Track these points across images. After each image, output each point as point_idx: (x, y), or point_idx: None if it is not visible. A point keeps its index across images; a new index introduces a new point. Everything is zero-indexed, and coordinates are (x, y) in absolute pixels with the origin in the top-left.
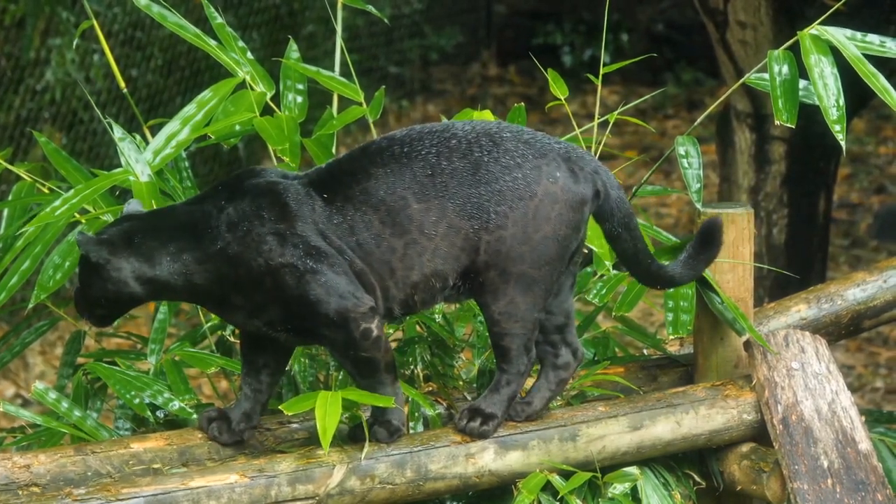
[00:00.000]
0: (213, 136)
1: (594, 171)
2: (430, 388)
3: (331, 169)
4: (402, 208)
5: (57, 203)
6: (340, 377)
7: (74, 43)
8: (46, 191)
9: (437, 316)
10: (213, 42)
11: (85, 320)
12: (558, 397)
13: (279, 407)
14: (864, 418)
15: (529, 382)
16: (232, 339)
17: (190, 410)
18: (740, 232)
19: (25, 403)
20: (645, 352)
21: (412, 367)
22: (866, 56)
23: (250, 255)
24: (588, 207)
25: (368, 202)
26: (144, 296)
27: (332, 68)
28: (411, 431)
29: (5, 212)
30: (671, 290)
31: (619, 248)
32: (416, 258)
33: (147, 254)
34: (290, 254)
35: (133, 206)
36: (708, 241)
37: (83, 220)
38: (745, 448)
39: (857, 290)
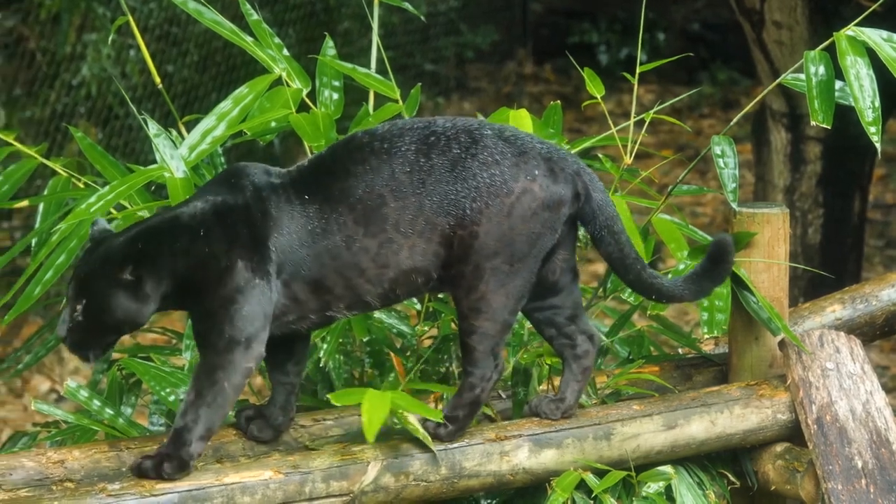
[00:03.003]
0: (248, 133)
1: (575, 172)
2: None
3: (313, 167)
4: (378, 206)
5: (92, 199)
6: (382, 375)
7: (110, 38)
8: (82, 186)
9: None
10: (249, 38)
11: (88, 358)
12: (592, 395)
13: (327, 396)
14: None
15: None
16: None
17: None
18: (775, 232)
19: (60, 399)
20: (680, 351)
21: (447, 364)
22: None
23: (224, 247)
24: (566, 208)
25: (346, 202)
26: (154, 310)
27: (367, 65)
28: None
29: (40, 207)
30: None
31: (604, 251)
32: (391, 257)
33: (154, 261)
34: (255, 259)
35: (101, 224)
36: (717, 260)
37: (118, 216)
38: (779, 448)
39: (891, 291)
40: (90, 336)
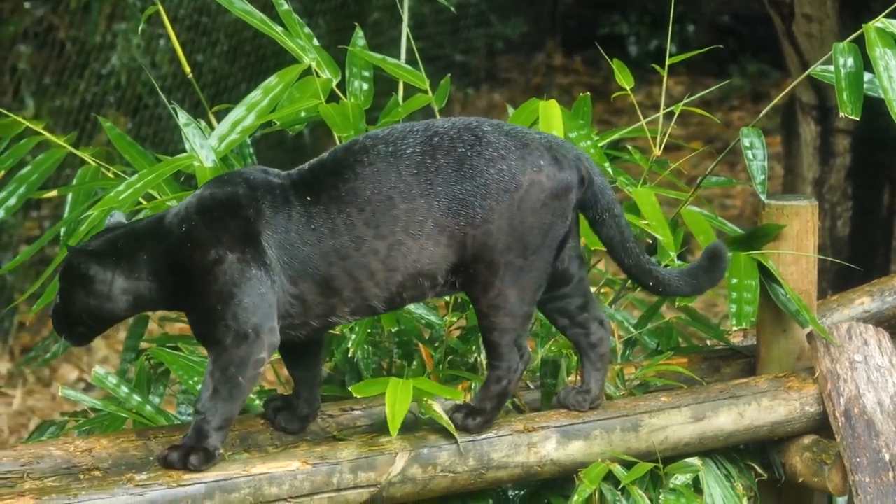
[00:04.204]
0: (278, 123)
1: (577, 157)
2: None
3: (314, 169)
4: (387, 209)
5: (121, 188)
6: (411, 365)
7: (140, 28)
8: (111, 175)
9: None
10: (279, 28)
11: (64, 339)
12: (621, 387)
13: (349, 388)
14: None
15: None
16: None
17: (252, 396)
18: (804, 224)
19: (88, 388)
20: (708, 343)
21: (475, 354)
22: None
23: (210, 240)
24: (573, 194)
25: (354, 202)
26: (125, 310)
27: (397, 56)
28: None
29: (69, 196)
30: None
31: (606, 235)
32: (400, 260)
33: (130, 262)
34: (248, 252)
35: (116, 217)
36: (712, 263)
37: (147, 206)
38: (806, 440)
39: None
40: (63, 320)
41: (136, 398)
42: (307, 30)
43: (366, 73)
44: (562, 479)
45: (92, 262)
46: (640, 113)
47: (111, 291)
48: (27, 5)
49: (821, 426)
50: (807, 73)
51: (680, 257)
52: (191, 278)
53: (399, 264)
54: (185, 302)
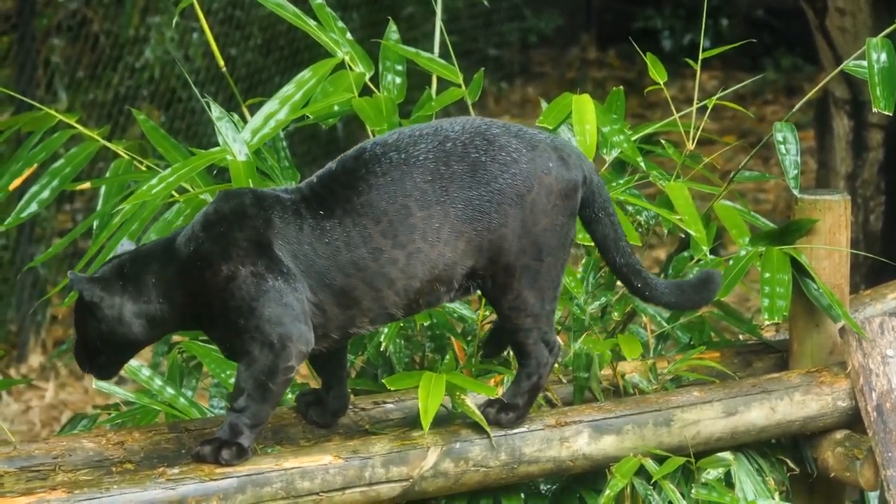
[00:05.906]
0: (311, 117)
1: (578, 156)
2: None
3: (324, 182)
4: (404, 217)
5: (154, 181)
6: (444, 359)
7: (174, 21)
8: (144, 169)
9: None
10: (312, 22)
11: (89, 373)
12: (653, 381)
13: (382, 381)
14: None
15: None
16: None
17: None
18: (837, 219)
19: (121, 380)
20: (740, 337)
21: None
22: None
23: (219, 257)
24: (580, 193)
25: (370, 214)
26: (141, 335)
27: (431, 50)
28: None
29: (102, 189)
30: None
31: (601, 233)
32: (419, 267)
33: (137, 285)
34: (260, 264)
35: (125, 245)
36: (702, 284)
37: (180, 199)
38: (838, 435)
39: None
40: (83, 352)
41: (169, 391)
42: (340, 23)
43: (399, 67)
44: (593, 473)
45: (96, 288)
46: (673, 107)
47: (121, 315)
48: None
49: (853, 421)
50: (840, 67)
51: (713, 252)
52: (206, 298)
53: (418, 271)
54: (205, 321)
